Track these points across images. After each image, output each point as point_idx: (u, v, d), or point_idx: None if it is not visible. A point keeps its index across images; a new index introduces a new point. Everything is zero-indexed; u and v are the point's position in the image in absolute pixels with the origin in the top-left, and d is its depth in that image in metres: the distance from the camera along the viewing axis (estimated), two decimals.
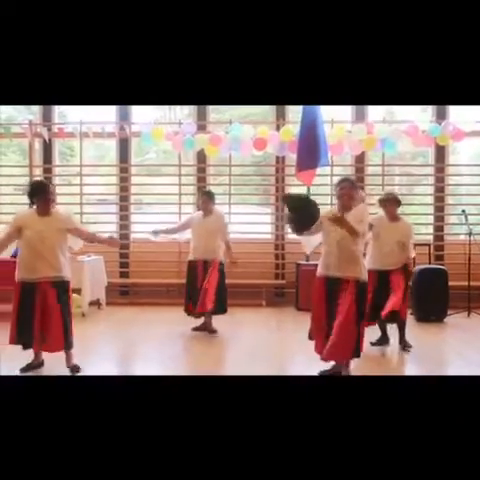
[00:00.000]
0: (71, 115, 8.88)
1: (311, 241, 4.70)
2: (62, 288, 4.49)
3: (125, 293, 8.62)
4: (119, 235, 8.70)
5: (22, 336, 4.45)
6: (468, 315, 7.18)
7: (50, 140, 8.61)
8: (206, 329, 6.19)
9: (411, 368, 4.86)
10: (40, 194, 4.45)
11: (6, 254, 5.11)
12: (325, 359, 4.35)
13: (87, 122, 8.38)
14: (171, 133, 8.09)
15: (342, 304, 4.22)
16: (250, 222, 8.52)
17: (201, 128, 8.39)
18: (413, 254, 5.61)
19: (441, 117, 8.14)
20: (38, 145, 8.83)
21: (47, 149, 8.76)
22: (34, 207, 4.52)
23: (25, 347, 4.55)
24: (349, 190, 4.38)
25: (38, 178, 5.13)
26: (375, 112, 8.36)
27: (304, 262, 7.92)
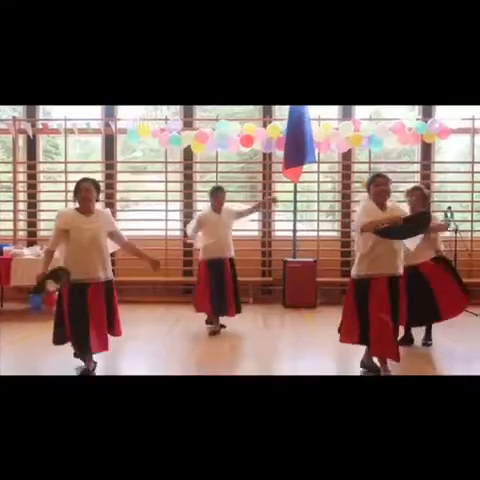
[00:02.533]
0: (55, 111, 8.78)
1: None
2: (110, 289, 4.41)
3: None
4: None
5: (78, 338, 4.26)
6: None
7: (34, 136, 8.51)
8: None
9: (397, 364, 4.85)
10: (81, 192, 4.33)
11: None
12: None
13: (72, 118, 8.30)
14: (157, 130, 8.04)
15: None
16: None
17: (188, 125, 8.35)
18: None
19: (427, 115, 8.18)
20: (22, 142, 8.72)
21: (31, 146, 8.66)
22: (76, 205, 4.41)
23: (80, 350, 4.36)
24: (388, 186, 4.29)
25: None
26: (362, 110, 8.37)
27: (291, 259, 7.92)
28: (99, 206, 4.60)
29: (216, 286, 5.98)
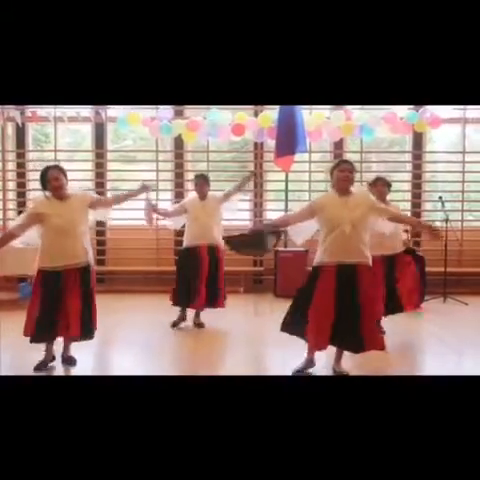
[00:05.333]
0: None
1: (302, 232, 4.40)
2: (88, 273, 4.37)
3: (101, 281, 8.50)
4: (95, 222, 8.57)
5: (42, 329, 4.24)
6: (444, 301, 7.27)
7: (23, 124, 8.41)
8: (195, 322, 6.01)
9: (392, 354, 4.87)
10: (50, 182, 4.25)
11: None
12: (364, 350, 4.17)
13: (61, 106, 8.20)
14: (148, 118, 7.97)
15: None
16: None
17: (178, 114, 8.28)
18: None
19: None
20: (11, 130, 8.62)
21: (20, 134, 8.56)
22: (48, 194, 4.31)
23: (41, 340, 4.34)
24: (351, 173, 4.21)
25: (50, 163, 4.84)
26: None
27: (282, 249, 7.91)
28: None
29: (190, 275, 5.81)
